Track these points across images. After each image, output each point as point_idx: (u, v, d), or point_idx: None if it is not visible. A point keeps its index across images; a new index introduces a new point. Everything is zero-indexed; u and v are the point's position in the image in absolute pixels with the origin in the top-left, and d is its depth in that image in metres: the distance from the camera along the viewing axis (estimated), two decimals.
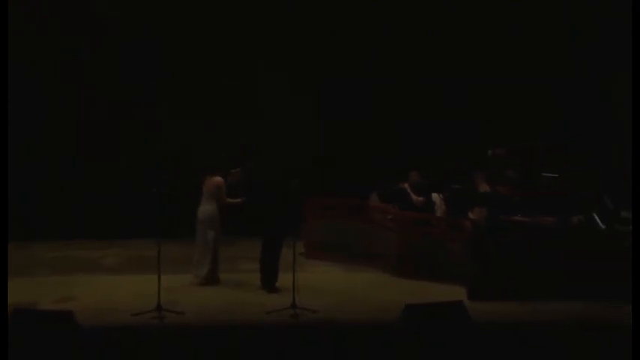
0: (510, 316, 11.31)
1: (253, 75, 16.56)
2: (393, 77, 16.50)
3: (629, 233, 12.11)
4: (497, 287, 11.97)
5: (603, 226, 12.39)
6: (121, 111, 16.46)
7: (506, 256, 12.16)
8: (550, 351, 9.63)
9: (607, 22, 15.96)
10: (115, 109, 16.46)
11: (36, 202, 15.98)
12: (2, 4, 12.61)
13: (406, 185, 14.49)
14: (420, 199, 14.34)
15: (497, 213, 12.55)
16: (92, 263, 14.43)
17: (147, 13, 16.38)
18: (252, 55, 16.55)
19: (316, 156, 16.33)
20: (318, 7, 16.56)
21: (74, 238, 15.77)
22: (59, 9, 16.18)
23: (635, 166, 11.17)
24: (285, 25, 16.53)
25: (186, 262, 13.70)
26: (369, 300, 12.18)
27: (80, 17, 16.23)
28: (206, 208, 13.04)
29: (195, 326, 10.88)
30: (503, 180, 13.57)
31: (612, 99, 16.19)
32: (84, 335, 9.51)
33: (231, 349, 9.83)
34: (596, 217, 12.45)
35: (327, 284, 13.00)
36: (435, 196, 14.14)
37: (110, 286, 12.77)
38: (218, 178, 13.02)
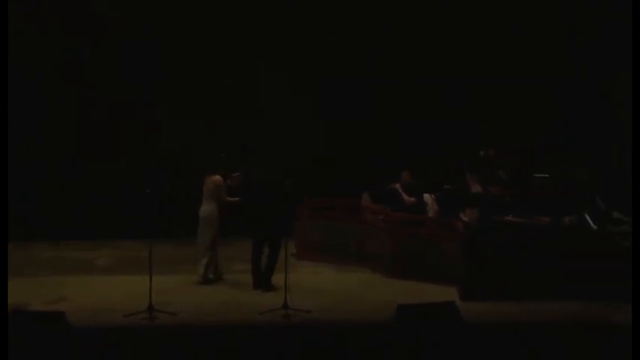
0: (502, 317, 11.31)
1: (253, 75, 16.56)
2: (393, 77, 16.51)
3: (620, 233, 12.18)
4: (489, 287, 11.98)
5: (595, 227, 12.41)
6: (121, 111, 16.46)
7: (498, 256, 12.17)
8: (543, 351, 9.63)
9: (607, 22, 15.97)
10: (115, 109, 16.46)
11: (36, 202, 15.98)
12: (2, 4, 12.62)
13: (397, 186, 14.48)
14: (412, 199, 14.34)
15: (489, 213, 12.56)
16: (86, 264, 14.42)
17: (147, 13, 16.38)
18: (252, 55, 16.55)
19: (316, 156, 16.34)
20: (318, 7, 16.56)
21: (73, 238, 15.75)
22: (59, 9, 16.19)
23: (635, 166, 11.17)
24: (285, 25, 16.54)
25: (181, 262, 13.74)
26: (361, 300, 12.18)
27: (80, 17, 16.23)
28: (205, 208, 13.07)
29: (188, 327, 10.85)
30: (496, 180, 13.56)
31: (612, 99, 16.19)
32: (75, 336, 9.49)
33: (223, 350, 9.82)
34: (588, 218, 12.46)
35: (319, 285, 13.00)
36: (426, 196, 14.15)
37: (103, 287, 12.76)
38: (217, 177, 13.04)
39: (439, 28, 16.54)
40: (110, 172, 16.28)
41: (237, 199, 13.02)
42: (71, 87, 16.29)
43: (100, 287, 12.77)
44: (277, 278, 12.40)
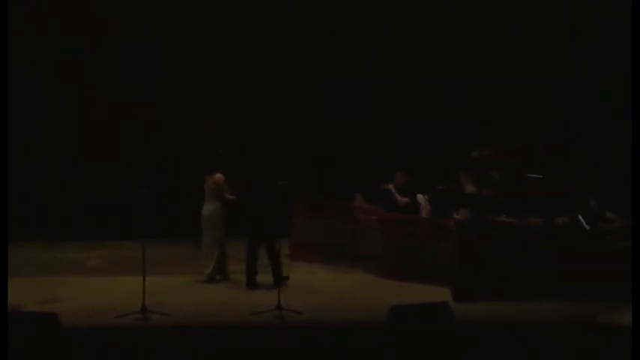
0: (496, 317, 11.32)
1: (253, 75, 16.56)
2: (393, 77, 16.49)
3: (613, 233, 12.22)
4: (482, 288, 11.99)
5: (588, 227, 12.43)
6: (121, 111, 16.46)
7: (491, 256, 12.19)
8: (536, 351, 9.63)
9: (607, 22, 15.96)
10: (115, 109, 16.46)
11: (35, 203, 15.98)
12: (2, 4, 12.61)
13: (391, 186, 14.46)
14: (405, 199, 14.33)
15: (482, 214, 12.56)
16: (81, 264, 14.41)
17: (147, 13, 16.38)
18: (252, 55, 16.55)
19: (316, 156, 16.34)
20: (318, 7, 16.55)
21: (72, 238, 15.73)
22: (59, 9, 16.18)
23: (635, 166, 11.17)
24: (285, 25, 16.53)
25: (178, 262, 13.76)
26: (355, 301, 12.19)
27: (80, 17, 16.23)
28: (208, 208, 13.11)
29: (181, 327, 10.85)
30: (489, 181, 13.56)
31: (612, 99, 16.18)
32: (68, 337, 9.49)
33: (217, 350, 9.81)
34: (581, 218, 12.48)
35: (313, 285, 13.02)
36: (419, 197, 14.14)
37: (98, 288, 12.76)
38: (218, 176, 13.08)
39: (439, 28, 16.53)
40: (110, 172, 16.27)
41: (234, 196, 13.03)
42: (71, 87, 16.29)
43: (95, 288, 12.78)
44: (269, 279, 12.53)
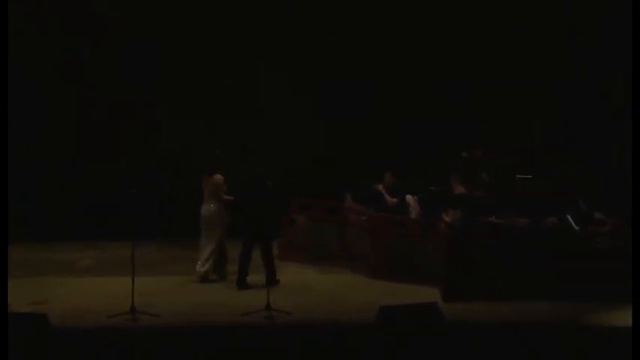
0: (485, 317, 11.29)
1: (253, 75, 16.56)
2: (393, 77, 16.50)
3: (602, 234, 12.26)
4: (471, 288, 11.98)
5: (577, 228, 12.44)
6: (121, 111, 16.46)
7: (481, 257, 12.20)
8: (526, 350, 9.62)
9: (607, 22, 15.96)
10: (115, 109, 16.46)
11: (36, 202, 15.98)
12: (2, 4, 12.61)
13: (380, 187, 14.45)
14: (394, 200, 14.31)
15: (472, 214, 12.56)
16: (73, 265, 14.39)
17: (147, 13, 16.38)
18: (252, 55, 16.55)
19: (316, 156, 16.34)
20: (318, 7, 16.55)
21: (71, 239, 15.72)
22: (59, 9, 16.19)
23: (635, 166, 11.18)
24: (285, 25, 16.53)
25: (175, 262, 13.76)
26: (344, 301, 12.16)
27: (80, 17, 16.23)
28: (207, 208, 13.10)
29: (170, 328, 10.80)
30: (479, 182, 13.56)
31: (612, 99, 16.18)
32: (58, 338, 9.47)
33: (205, 351, 9.78)
34: (570, 219, 12.50)
35: (302, 285, 13.01)
36: (409, 197, 14.15)
37: (89, 288, 12.72)
38: (218, 176, 13.08)
39: (439, 28, 16.53)
40: (110, 172, 16.26)
41: (231, 197, 13.04)
42: (71, 87, 16.29)
43: (87, 288, 12.74)
44: (258, 279, 12.58)
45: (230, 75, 16.51)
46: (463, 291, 11.95)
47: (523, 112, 16.33)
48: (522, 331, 10.47)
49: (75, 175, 16.31)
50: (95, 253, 15.12)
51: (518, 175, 13.47)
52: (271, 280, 12.41)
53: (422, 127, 16.30)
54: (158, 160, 16.19)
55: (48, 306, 11.28)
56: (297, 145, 16.25)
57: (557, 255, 12.17)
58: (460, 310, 11.11)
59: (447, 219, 12.91)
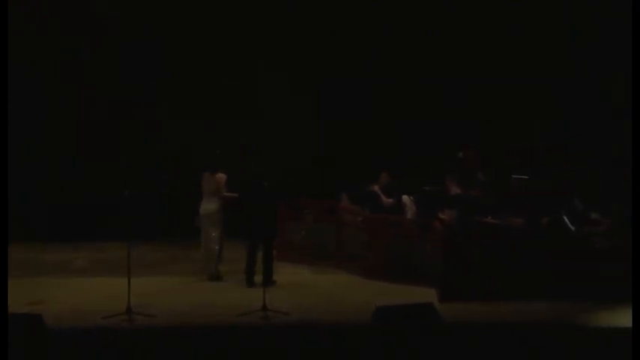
0: (481, 317, 11.26)
1: (253, 75, 16.57)
2: (393, 77, 16.51)
3: (598, 234, 12.30)
4: (467, 288, 11.98)
5: (573, 228, 12.46)
6: (121, 111, 16.48)
7: (477, 257, 12.18)
8: (522, 350, 9.62)
9: (607, 22, 15.97)
10: (115, 109, 16.47)
11: (36, 202, 15.99)
12: (2, 4, 12.61)
13: (376, 187, 14.45)
14: (390, 200, 14.31)
15: (468, 215, 12.56)
16: (69, 265, 14.39)
17: (147, 13, 16.40)
18: (252, 55, 16.56)
19: (316, 156, 16.35)
20: (318, 7, 16.56)
21: (71, 239, 15.72)
22: (59, 9, 16.20)
23: (635, 166, 11.18)
24: (285, 25, 16.54)
25: (173, 262, 13.71)
26: (340, 302, 12.13)
27: (80, 17, 16.25)
28: (208, 207, 13.11)
29: (166, 329, 10.77)
30: (474, 182, 13.57)
31: (612, 99, 16.19)
32: (53, 338, 9.45)
33: (201, 351, 9.75)
34: (566, 219, 12.51)
35: (299, 286, 13.00)
36: (405, 198, 14.15)
37: (87, 288, 12.70)
38: (220, 175, 13.09)
39: (439, 28, 16.54)
40: (110, 172, 16.27)
41: (234, 194, 13.06)
42: (71, 87, 16.31)
43: (85, 288, 12.70)
44: (258, 279, 12.59)
45: (230, 75, 16.53)
46: (459, 291, 11.95)
47: (523, 112, 16.34)
48: (519, 331, 10.45)
49: (75, 175, 16.32)
50: (95, 253, 15.12)
51: (513, 176, 13.49)
52: (268, 281, 12.43)
53: (422, 127, 16.31)
54: (158, 160, 16.20)
55: (45, 307, 11.23)
56: (297, 145, 16.27)
57: (554, 255, 12.18)
58: (456, 311, 11.09)
59: (443, 217, 12.89)
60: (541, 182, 13.38)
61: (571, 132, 15.57)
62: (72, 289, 12.71)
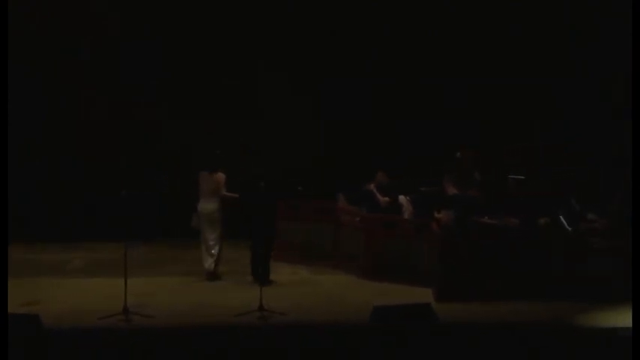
0: (478, 317, 11.27)
1: (253, 75, 16.56)
2: (393, 77, 16.50)
3: (595, 234, 12.33)
4: (464, 288, 11.98)
5: (569, 228, 12.46)
6: (121, 111, 16.47)
7: (473, 257, 12.19)
8: (519, 351, 9.63)
9: (607, 22, 15.96)
10: (115, 109, 16.47)
11: (36, 202, 15.98)
12: (2, 4, 12.62)
13: (372, 186, 14.45)
14: (386, 199, 14.29)
15: (465, 215, 12.57)
16: (65, 265, 14.37)
17: (147, 13, 16.39)
18: (252, 55, 16.55)
19: (316, 156, 16.34)
20: (318, 7, 16.56)
21: (71, 239, 15.71)
22: (59, 9, 16.19)
23: (635, 166, 11.18)
24: (285, 25, 16.53)
25: (168, 263, 13.68)
26: (338, 302, 12.15)
27: (80, 17, 16.24)
28: (208, 206, 13.13)
29: (163, 329, 10.76)
30: (471, 182, 13.56)
31: (612, 99, 16.19)
32: (50, 339, 9.44)
33: (199, 352, 9.75)
34: (563, 219, 12.51)
35: (296, 286, 13.01)
36: (401, 198, 14.14)
37: (83, 289, 12.70)
38: (221, 174, 13.10)
39: (439, 28, 16.53)
40: (110, 172, 16.26)
41: (234, 194, 13.06)
42: (71, 87, 16.30)
43: (86, 289, 12.70)
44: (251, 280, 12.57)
45: (230, 75, 16.52)
46: (456, 291, 11.96)
47: (523, 112, 16.34)
48: (516, 330, 10.47)
49: (75, 175, 16.31)
50: (94, 253, 15.10)
51: (510, 176, 13.49)
52: (265, 281, 12.43)
53: (422, 127, 16.31)
54: (158, 160, 16.19)
55: (44, 307, 11.23)
56: (297, 145, 16.26)
57: (551, 255, 12.19)
58: (453, 311, 11.10)
59: (440, 216, 12.88)
60: (541, 182, 13.39)
61: (571, 132, 15.58)
62: (71, 289, 12.71)
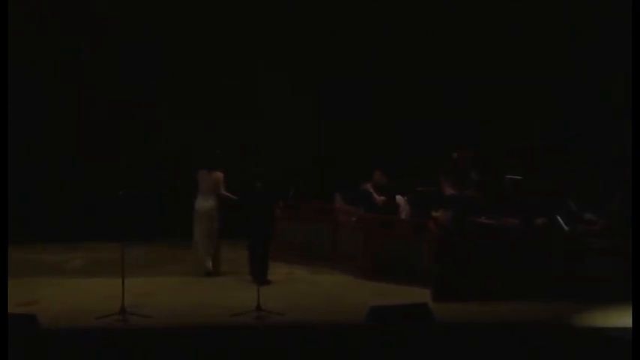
0: (475, 317, 11.27)
1: (253, 75, 16.56)
2: (393, 77, 16.50)
3: (592, 234, 12.33)
4: (461, 289, 11.98)
5: (567, 228, 12.46)
6: (121, 111, 16.47)
7: (471, 257, 12.19)
8: (516, 351, 9.63)
9: (607, 22, 15.96)
10: (115, 109, 16.47)
11: (36, 202, 15.99)
12: (2, 4, 12.63)
13: (369, 186, 14.44)
14: (382, 198, 14.28)
15: (462, 215, 12.57)
16: (64, 265, 14.39)
17: (147, 13, 16.39)
18: (252, 55, 16.55)
19: (316, 156, 16.34)
20: (318, 7, 16.56)
21: (71, 239, 15.71)
22: (59, 9, 16.20)
23: (635, 166, 11.18)
24: (285, 25, 16.53)
25: (168, 263, 13.69)
26: (335, 302, 12.14)
27: (80, 17, 16.25)
28: (205, 204, 13.17)
29: (160, 329, 10.74)
30: (468, 182, 13.56)
31: (612, 99, 16.18)
32: (48, 339, 9.44)
33: (199, 352, 9.75)
34: (560, 219, 12.51)
35: (294, 286, 13.02)
36: (399, 198, 14.14)
37: (83, 289, 12.70)
38: (219, 173, 13.12)
39: (439, 28, 16.53)
40: (110, 172, 16.26)
41: (233, 195, 13.07)
42: (71, 87, 16.30)
43: (86, 289, 12.70)
44: (249, 280, 12.58)
45: (230, 75, 16.52)
46: (454, 291, 11.96)
47: (523, 112, 16.33)
48: (514, 330, 10.47)
49: (75, 175, 16.32)
50: (94, 253, 15.08)
51: (507, 176, 13.49)
52: (262, 280, 12.43)
53: (422, 127, 16.30)
54: (158, 160, 16.19)
55: (43, 307, 11.24)
56: (297, 145, 16.26)
57: (548, 255, 12.20)
58: (451, 311, 11.11)
59: (437, 215, 12.87)
60: (540, 182, 13.38)
61: (571, 132, 15.57)
62: (71, 289, 12.72)
